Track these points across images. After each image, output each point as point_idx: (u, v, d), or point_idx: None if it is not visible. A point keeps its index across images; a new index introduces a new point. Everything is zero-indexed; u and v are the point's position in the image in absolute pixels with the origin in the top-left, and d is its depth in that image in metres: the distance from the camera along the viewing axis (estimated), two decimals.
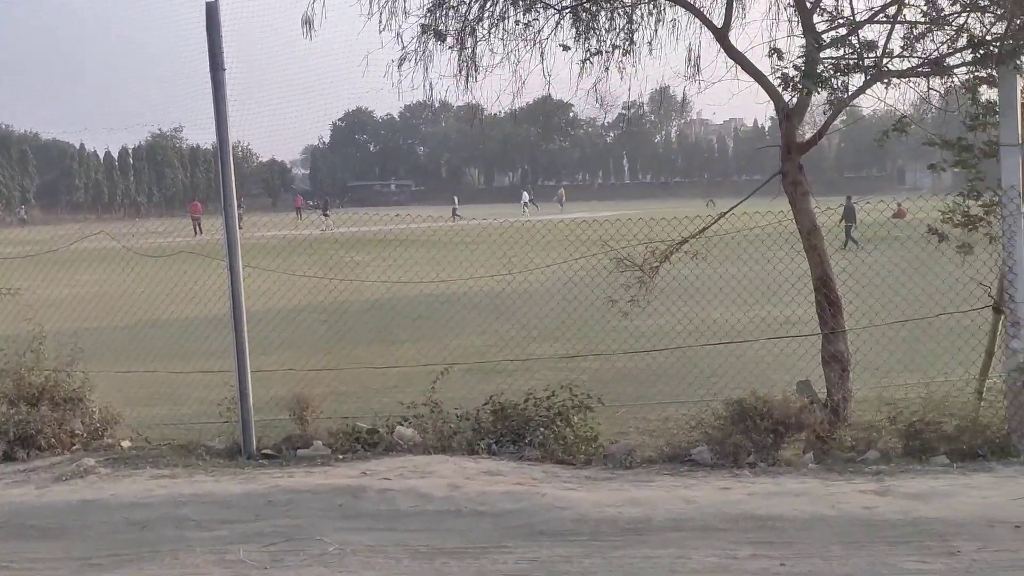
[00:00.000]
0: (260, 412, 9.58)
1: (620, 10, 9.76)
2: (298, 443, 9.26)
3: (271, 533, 7.01)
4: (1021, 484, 7.34)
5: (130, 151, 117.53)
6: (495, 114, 12.19)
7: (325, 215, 51.08)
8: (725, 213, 9.94)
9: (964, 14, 8.89)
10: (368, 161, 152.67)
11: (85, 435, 9.59)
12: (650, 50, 9.87)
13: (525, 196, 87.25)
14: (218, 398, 9.76)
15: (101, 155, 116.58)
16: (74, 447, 9.46)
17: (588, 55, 9.81)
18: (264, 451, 9.19)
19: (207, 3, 9.21)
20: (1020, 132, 8.57)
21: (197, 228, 46.94)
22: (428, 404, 9.34)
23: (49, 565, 6.76)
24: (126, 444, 9.54)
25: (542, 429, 8.82)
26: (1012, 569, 5.77)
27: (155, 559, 6.71)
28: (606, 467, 8.39)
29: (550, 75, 9.91)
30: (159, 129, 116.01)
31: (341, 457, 8.90)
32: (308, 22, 9.85)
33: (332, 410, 10.00)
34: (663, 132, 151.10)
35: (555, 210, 71.41)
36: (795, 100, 9.31)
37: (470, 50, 9.80)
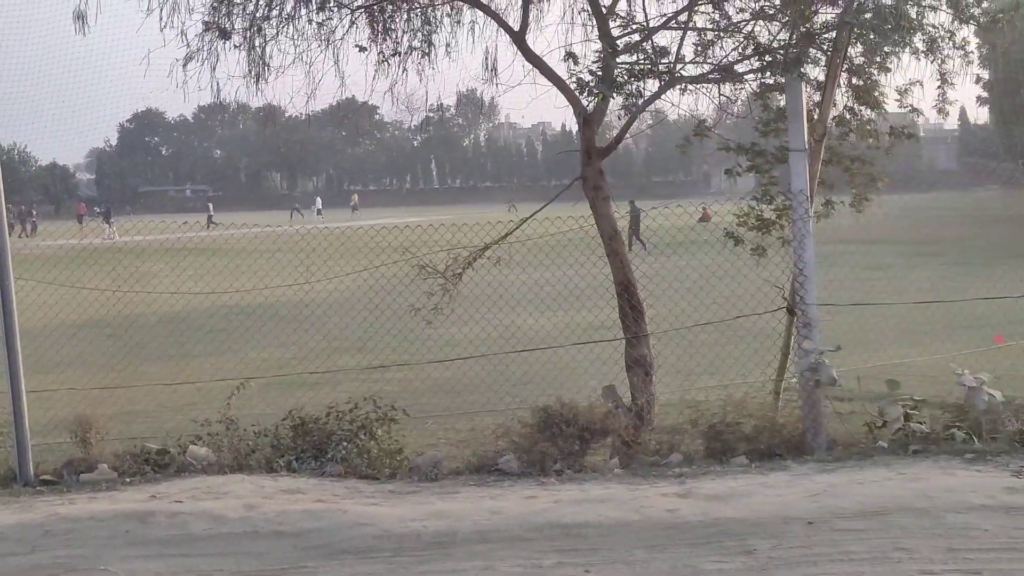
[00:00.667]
0: (39, 435, 9.19)
1: (416, 11, 9.84)
2: (81, 467, 8.89)
3: (49, 565, 6.71)
4: (814, 481, 7.76)
5: None
6: (296, 116, 12.07)
7: (108, 223, 49.22)
8: (527, 219, 10.13)
9: (752, 22, 9.39)
10: (161, 165, 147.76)
11: None
12: (448, 52, 9.98)
13: (318, 202, 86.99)
14: None
15: None
16: None
17: (384, 56, 9.83)
18: (43, 477, 8.79)
19: None
20: (807, 138, 9.08)
21: None
22: (223, 421, 9.14)
23: None
24: None
25: (345, 443, 8.77)
26: (804, 564, 6.09)
27: None
28: (411, 480, 8.41)
29: (346, 77, 9.89)
30: None
31: (129, 480, 8.60)
32: (81, 17, 9.49)
33: (120, 431, 9.69)
34: (471, 136, 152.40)
35: (348, 216, 70.63)
36: (592, 105, 9.58)
37: (259, 50, 9.66)
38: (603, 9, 9.57)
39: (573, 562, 6.37)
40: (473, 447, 9.28)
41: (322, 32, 9.73)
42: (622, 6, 9.68)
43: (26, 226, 58.06)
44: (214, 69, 9.64)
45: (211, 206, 74.52)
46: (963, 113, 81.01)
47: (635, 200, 35.53)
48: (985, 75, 10.22)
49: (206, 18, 9.53)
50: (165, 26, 9.45)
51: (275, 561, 6.62)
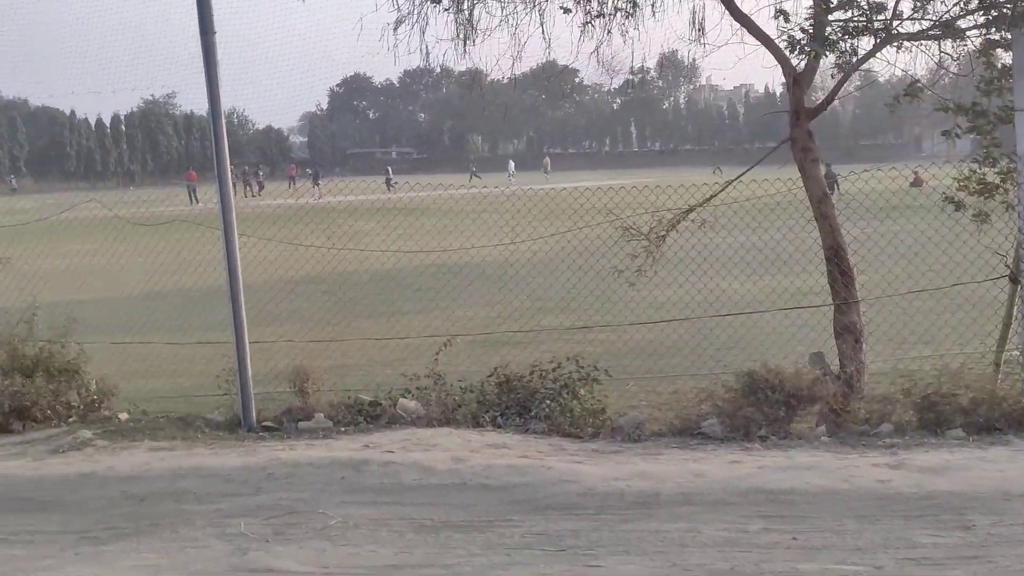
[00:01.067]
0: (260, 384, 9.62)
1: None
2: (299, 415, 9.31)
3: (272, 506, 7.07)
4: None
5: (122, 118, 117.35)
6: (498, 80, 12.14)
7: (316, 184, 51.03)
8: (732, 181, 9.92)
9: None
10: (368, 128, 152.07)
11: (81, 407, 9.64)
12: (653, 12, 9.79)
13: (511, 166, 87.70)
14: (217, 370, 9.81)
15: (92, 122, 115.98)
16: (70, 419, 9.52)
17: (589, 18, 9.74)
18: (264, 423, 9.24)
19: None
20: None
21: (193, 197, 47.04)
22: (431, 376, 9.39)
23: (48, 538, 6.84)
24: (123, 417, 9.59)
25: (548, 401, 8.86)
26: None
27: (154, 533, 6.78)
28: (614, 440, 8.43)
29: (551, 39, 9.86)
30: (151, 95, 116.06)
31: (343, 430, 8.95)
32: None
33: (334, 383, 10.05)
34: (671, 98, 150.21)
35: (541, 179, 70.51)
36: (803, 64, 9.27)
37: (467, 12, 9.73)
38: None
39: (780, 528, 6.26)
40: (675, 410, 9.19)
41: None
42: None
43: (250, 186, 61.11)
44: (423, 32, 9.79)
45: (389, 170, 75.12)
46: None
47: (832, 164, 34.41)
48: None
49: None
50: None
51: (482, 513, 6.77)
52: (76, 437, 8.78)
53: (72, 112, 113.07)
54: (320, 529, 6.64)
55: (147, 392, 10.52)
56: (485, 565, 5.85)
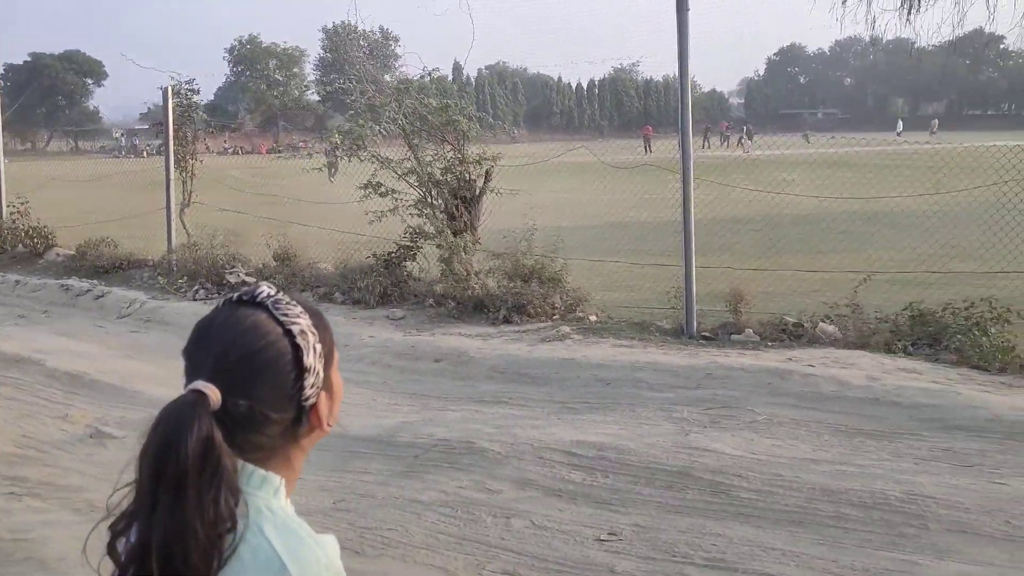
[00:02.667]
0: (699, 303, 9.75)
1: None
2: (732, 329, 9.37)
3: (709, 400, 7.24)
4: None
5: (596, 83, 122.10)
6: (924, 46, 11.28)
7: (748, 139, 49.74)
8: None
9: None
10: (798, 92, 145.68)
11: (562, 308, 10.32)
12: None
13: (900, 125, 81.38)
14: (666, 288, 10.09)
15: (573, 86, 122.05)
16: (554, 317, 10.22)
17: None
18: (703, 334, 9.39)
19: None
20: None
21: (647, 148, 47.84)
22: (849, 305, 9.06)
23: (537, 404, 7.50)
24: (593, 319, 10.15)
25: (959, 336, 8.24)
26: None
27: (616, 409, 7.20)
28: (1022, 376, 7.69)
29: (995, 6, 8.96)
30: (619, 64, 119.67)
31: (769, 344, 8.89)
32: None
33: (761, 306, 9.97)
34: None
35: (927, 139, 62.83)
36: None
37: None
38: None
39: None
40: None
41: None
42: None
43: (725, 141, 61.48)
44: (870, 3, 9.31)
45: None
46: None
47: None
48: None
49: None
50: None
51: (892, 426, 6.51)
52: (558, 331, 9.45)
53: (559, 78, 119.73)
54: (749, 422, 6.72)
55: (609, 301, 11.01)
56: (894, 469, 5.65)
